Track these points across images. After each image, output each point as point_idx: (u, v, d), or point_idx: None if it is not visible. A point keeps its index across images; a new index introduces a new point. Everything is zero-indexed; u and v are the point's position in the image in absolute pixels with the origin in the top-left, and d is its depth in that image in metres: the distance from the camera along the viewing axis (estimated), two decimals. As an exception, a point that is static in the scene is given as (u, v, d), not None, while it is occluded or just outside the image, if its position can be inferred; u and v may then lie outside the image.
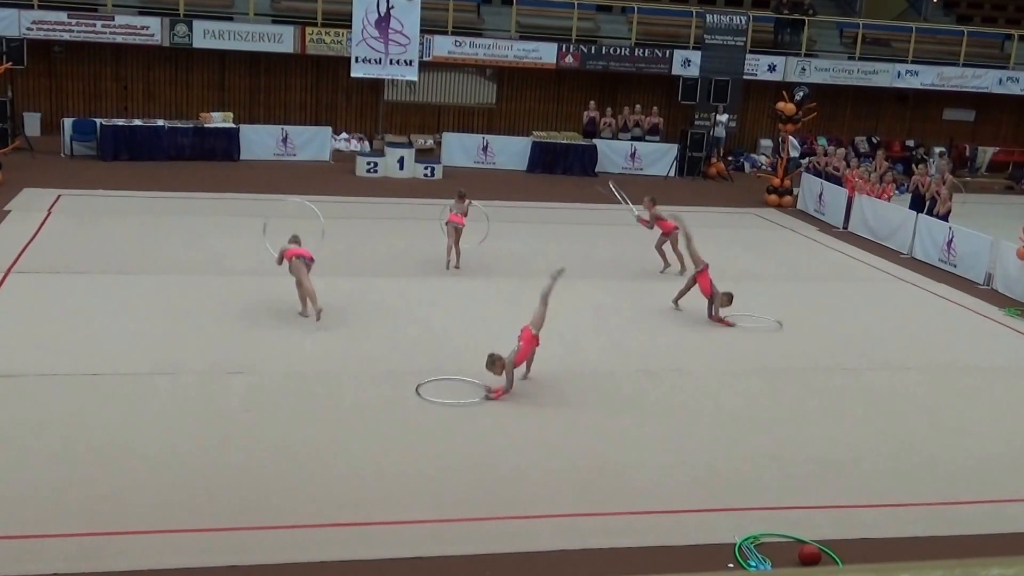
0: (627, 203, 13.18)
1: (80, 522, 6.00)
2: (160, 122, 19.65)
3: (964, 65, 24.43)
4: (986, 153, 25.53)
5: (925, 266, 14.52)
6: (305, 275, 9.97)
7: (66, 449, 6.95)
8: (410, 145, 20.54)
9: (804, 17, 24.22)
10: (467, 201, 12.40)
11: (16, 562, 5.56)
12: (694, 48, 22.68)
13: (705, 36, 22.00)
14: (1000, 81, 24.55)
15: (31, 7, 19.77)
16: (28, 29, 19.53)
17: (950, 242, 14.36)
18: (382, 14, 19.70)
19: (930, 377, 9.85)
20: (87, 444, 7.05)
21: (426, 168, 19.50)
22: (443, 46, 21.68)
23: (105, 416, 7.55)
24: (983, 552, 6.54)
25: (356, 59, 19.92)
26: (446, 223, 12.33)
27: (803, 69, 23.47)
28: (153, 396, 7.96)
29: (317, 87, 22.57)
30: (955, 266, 14.15)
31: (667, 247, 12.91)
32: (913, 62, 24.19)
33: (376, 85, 21.56)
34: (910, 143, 25.13)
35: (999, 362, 10.51)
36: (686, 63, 22.67)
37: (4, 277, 10.90)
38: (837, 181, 17.74)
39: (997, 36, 26.01)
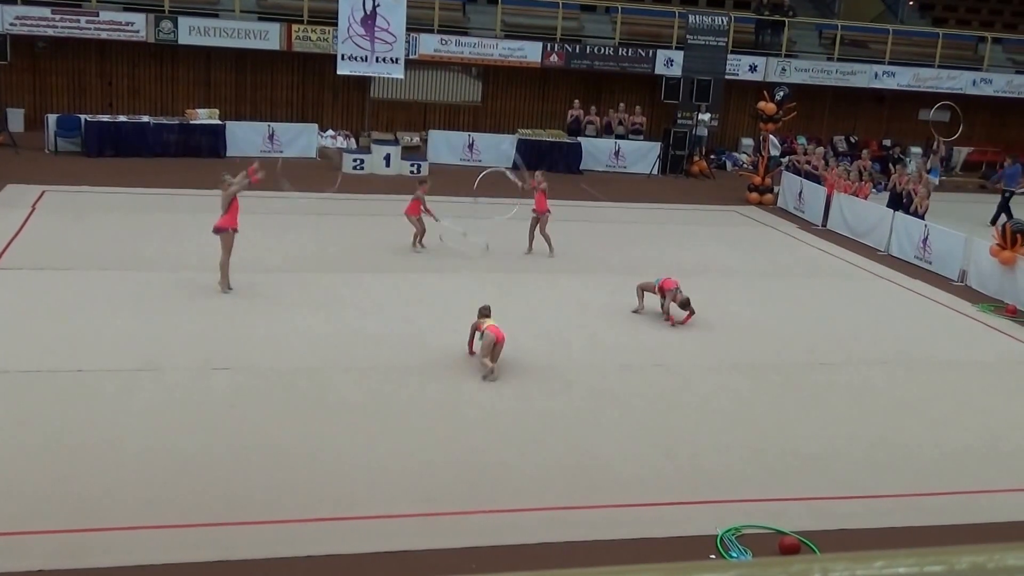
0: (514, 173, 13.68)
1: (65, 518, 6.02)
2: (145, 118, 19.58)
3: (939, 67, 24.76)
4: (960, 153, 25.87)
5: (901, 263, 14.76)
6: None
7: (51, 445, 6.97)
8: (396, 142, 20.60)
9: (784, 18, 24.48)
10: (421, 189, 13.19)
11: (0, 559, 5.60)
12: (677, 48, 22.85)
13: (687, 36, 22.19)
14: (974, 82, 24.90)
15: (14, 2, 19.64)
16: (11, 25, 19.41)
17: (926, 239, 14.62)
18: (368, 12, 19.74)
19: (905, 371, 10.05)
20: (72, 440, 7.07)
21: (412, 165, 19.59)
22: (429, 44, 21.74)
23: (90, 412, 7.57)
24: (957, 541, 6.69)
25: (342, 57, 19.95)
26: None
27: (783, 69, 23.71)
28: (138, 392, 7.98)
29: (303, 84, 22.57)
30: (930, 263, 14.40)
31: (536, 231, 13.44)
32: (890, 63, 24.49)
33: (362, 82, 21.60)
34: (887, 143, 25.43)
35: (972, 357, 10.73)
36: (669, 63, 22.84)
37: (-10, 273, 10.91)
38: (816, 180, 17.99)
39: (971, 38, 26.35)
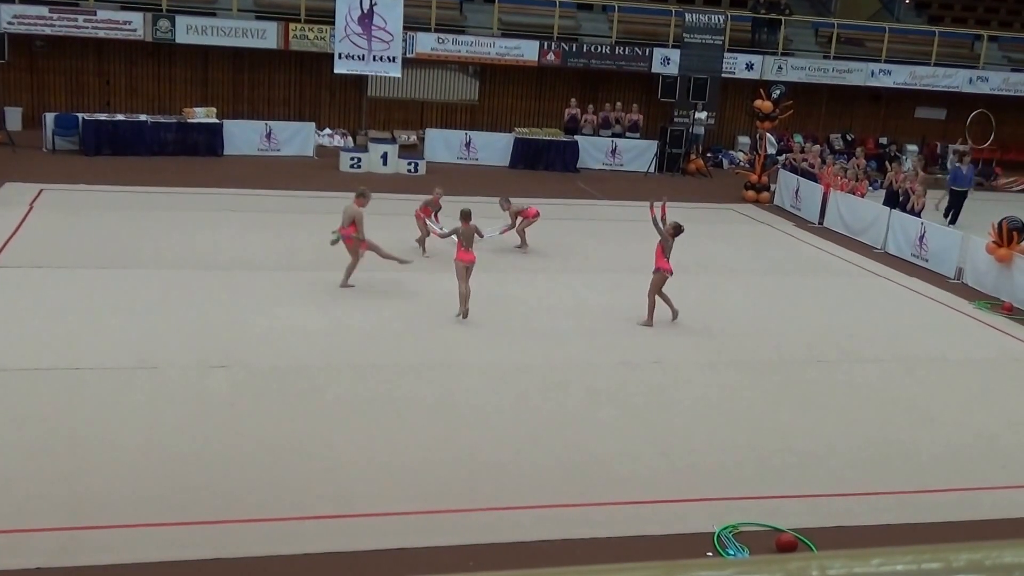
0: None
1: (62, 517, 6.02)
2: (143, 117, 19.58)
3: (935, 65, 24.80)
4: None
5: (898, 260, 14.79)
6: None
7: (48, 443, 6.97)
8: (393, 141, 20.61)
9: (780, 17, 24.51)
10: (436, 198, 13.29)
11: (-3, 556, 5.59)
12: (673, 46, 22.87)
13: (684, 35, 22.22)
14: (970, 80, 24.94)
15: (12, 1, 19.64)
16: (9, 24, 19.42)
17: (922, 237, 14.65)
18: (365, 11, 19.75)
19: (902, 369, 10.07)
20: (69, 438, 7.08)
21: (409, 164, 19.60)
22: (426, 43, 21.75)
23: (87, 410, 7.58)
24: (954, 538, 6.71)
25: (339, 56, 19.95)
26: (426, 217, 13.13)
27: (780, 68, 23.75)
28: (136, 390, 7.99)
29: (300, 83, 22.59)
30: (927, 261, 14.44)
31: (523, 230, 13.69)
32: (886, 61, 24.53)
33: (359, 81, 21.60)
34: (883, 140, 25.48)
35: (969, 354, 10.77)
36: (665, 61, 22.87)
37: (-13, 272, 10.91)
38: (812, 177, 18.02)
39: (967, 37, 26.40)
